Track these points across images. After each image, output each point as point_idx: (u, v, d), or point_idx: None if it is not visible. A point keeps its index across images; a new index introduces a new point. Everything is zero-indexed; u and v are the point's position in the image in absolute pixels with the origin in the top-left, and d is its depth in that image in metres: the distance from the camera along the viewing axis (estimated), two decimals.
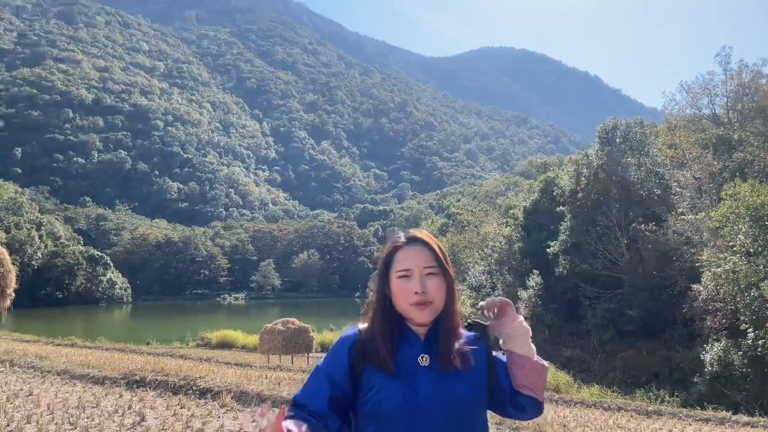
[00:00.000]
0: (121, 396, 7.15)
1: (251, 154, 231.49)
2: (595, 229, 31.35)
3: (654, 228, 26.69)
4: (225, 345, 34.87)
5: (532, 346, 1.89)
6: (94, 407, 6.62)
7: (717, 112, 35.39)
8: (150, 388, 7.33)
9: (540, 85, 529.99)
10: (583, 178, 32.82)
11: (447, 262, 1.81)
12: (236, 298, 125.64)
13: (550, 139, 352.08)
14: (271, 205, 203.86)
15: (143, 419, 6.11)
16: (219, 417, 6.41)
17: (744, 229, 17.49)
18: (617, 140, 33.10)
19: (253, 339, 33.82)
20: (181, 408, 6.72)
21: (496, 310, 1.88)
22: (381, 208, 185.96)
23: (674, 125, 36.97)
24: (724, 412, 9.14)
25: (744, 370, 17.10)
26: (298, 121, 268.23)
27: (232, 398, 6.84)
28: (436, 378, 1.76)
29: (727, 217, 18.25)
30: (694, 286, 21.77)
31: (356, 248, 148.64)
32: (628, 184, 31.83)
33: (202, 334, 36.93)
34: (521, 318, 1.88)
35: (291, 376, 11.89)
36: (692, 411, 9.11)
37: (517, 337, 1.86)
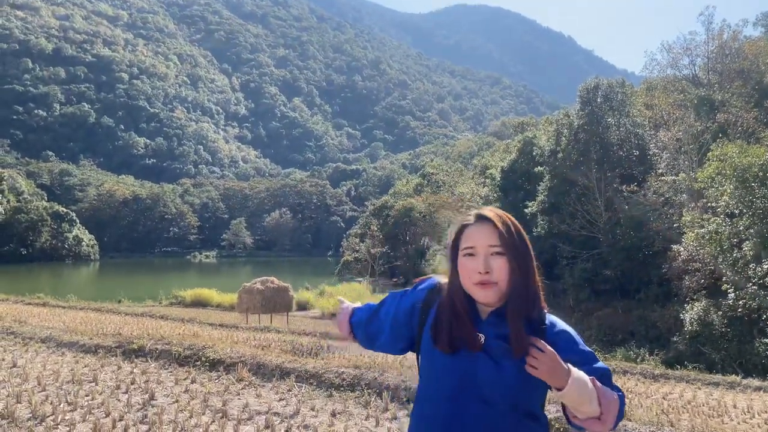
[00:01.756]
0: (119, 368, 6.39)
1: (220, 110, 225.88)
2: (574, 189, 31.36)
3: (633, 189, 26.74)
4: (199, 303, 34.29)
5: (595, 405, 1.63)
6: (91, 382, 5.93)
7: (697, 73, 35.34)
8: (151, 358, 6.57)
9: (514, 45, 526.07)
10: (563, 138, 32.59)
11: (517, 243, 1.71)
12: (207, 256, 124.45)
13: (522, 99, 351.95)
14: (241, 162, 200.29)
15: (152, 397, 5.49)
16: (239, 394, 5.84)
17: (729, 190, 17.50)
18: (598, 100, 32.84)
19: (229, 298, 33.33)
20: (193, 383, 6.06)
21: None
22: (354, 167, 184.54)
23: (653, 85, 36.92)
24: (733, 376, 9.13)
25: (723, 329, 17.37)
26: (268, 76, 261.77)
27: (249, 371, 6.25)
28: (487, 361, 1.71)
29: (712, 177, 18.23)
30: (674, 247, 21.95)
31: (329, 207, 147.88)
32: (607, 145, 31.77)
33: (175, 292, 36.23)
34: (569, 368, 1.62)
35: (280, 337, 11.51)
36: (700, 374, 9.07)
37: (568, 398, 1.64)
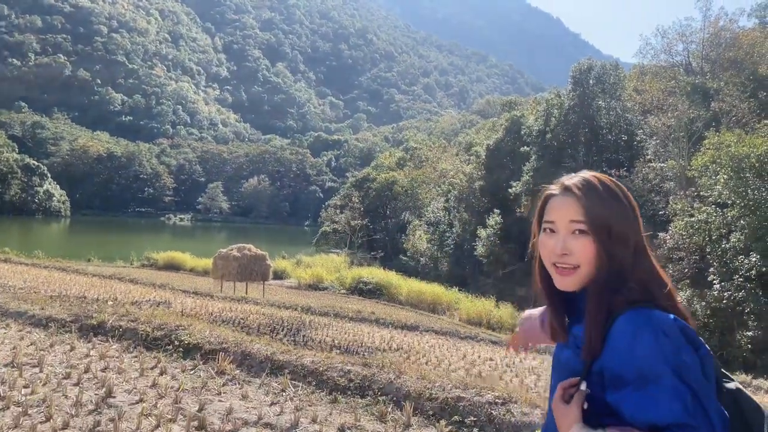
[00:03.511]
0: (72, 348, 5.22)
1: (201, 71, 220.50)
2: (561, 171, 30.82)
3: (622, 173, 26.40)
4: (172, 267, 33.41)
5: None
6: (35, 367, 4.78)
7: (690, 60, 34.94)
8: (113, 337, 5.36)
9: (502, 23, 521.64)
10: (553, 119, 32.13)
11: (612, 218, 1.39)
12: (181, 219, 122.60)
13: (507, 79, 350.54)
14: (220, 125, 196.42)
15: (110, 393, 4.35)
16: (221, 393, 4.71)
17: (723, 180, 17.17)
18: (590, 82, 32.35)
19: (203, 263, 32.49)
20: (162, 375, 4.89)
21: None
22: (335, 137, 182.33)
23: (645, 71, 36.45)
24: (743, 375, 8.78)
25: (706, 320, 17.20)
26: (252, 39, 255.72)
27: (232, 362, 5.10)
28: (561, 355, 1.51)
29: (707, 166, 17.88)
30: (661, 235, 21.69)
31: (308, 177, 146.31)
32: (596, 128, 31.39)
33: (147, 254, 35.21)
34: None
35: (259, 309, 10.86)
36: None
37: None
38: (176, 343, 5.32)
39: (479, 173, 40.11)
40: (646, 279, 1.37)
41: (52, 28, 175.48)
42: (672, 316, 1.29)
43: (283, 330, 8.83)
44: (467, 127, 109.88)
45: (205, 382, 4.89)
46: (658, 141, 28.07)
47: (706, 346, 1.29)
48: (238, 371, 5.12)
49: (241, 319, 9.49)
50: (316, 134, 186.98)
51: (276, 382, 5.06)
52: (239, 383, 4.93)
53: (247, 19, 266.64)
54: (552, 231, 1.44)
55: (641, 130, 32.19)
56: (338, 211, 60.40)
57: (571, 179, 1.49)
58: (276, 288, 27.05)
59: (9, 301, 6.07)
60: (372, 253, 46.64)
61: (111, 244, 52.30)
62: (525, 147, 36.60)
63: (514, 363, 7.87)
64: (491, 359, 8.03)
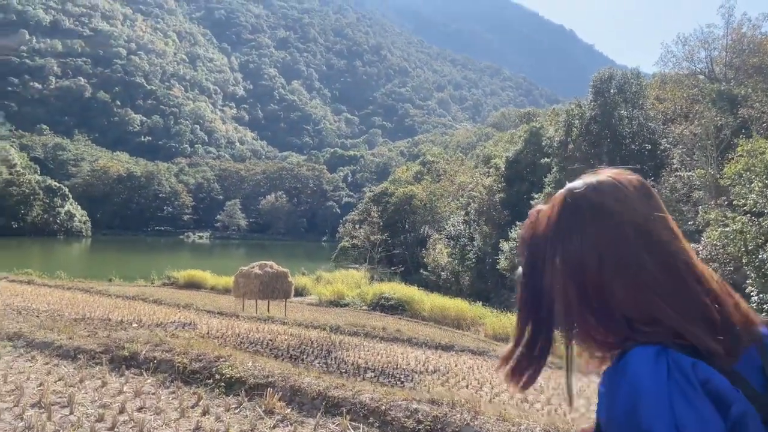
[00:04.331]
0: (104, 384, 4.73)
1: (218, 90, 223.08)
2: None
3: (650, 183, 25.77)
4: (193, 285, 33.30)
5: None
6: (64, 407, 4.28)
7: (713, 67, 34.35)
8: (147, 370, 4.83)
9: (514, 36, 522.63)
10: (574, 129, 31.66)
11: (537, 239, 1.13)
12: (200, 237, 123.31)
13: (522, 91, 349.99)
14: (238, 143, 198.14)
15: None
16: None
17: (758, 188, 16.59)
18: (612, 91, 31.89)
19: (223, 280, 32.37)
20: (205, 415, 4.34)
21: None
22: (351, 153, 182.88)
23: (667, 79, 35.91)
24: None
25: None
26: (268, 57, 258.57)
27: (280, 400, 4.53)
28: None
29: (740, 174, 17.31)
30: (692, 245, 21.06)
31: (325, 192, 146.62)
32: (619, 138, 30.86)
33: (168, 273, 35.17)
34: None
35: (286, 330, 10.55)
36: None
37: None
38: (217, 376, 4.78)
39: (499, 185, 39.68)
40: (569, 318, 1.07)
41: (72, 51, 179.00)
42: (685, 358, 0.94)
43: (313, 352, 8.50)
44: (483, 140, 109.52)
45: (253, 424, 4.34)
46: (684, 149, 27.47)
47: (746, 403, 0.93)
48: (288, 410, 4.60)
49: (269, 340, 9.19)
50: (332, 150, 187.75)
51: (333, 424, 4.52)
52: (291, 424, 4.41)
53: (263, 38, 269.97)
54: None
55: (665, 139, 31.61)
56: (356, 226, 60.18)
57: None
58: (297, 305, 26.76)
59: (35, 330, 5.65)
60: (392, 268, 46.25)
61: (131, 264, 52.55)
62: (545, 158, 36.14)
63: (559, 384, 7.48)
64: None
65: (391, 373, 7.45)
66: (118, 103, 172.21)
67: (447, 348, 10.38)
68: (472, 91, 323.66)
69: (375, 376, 7.32)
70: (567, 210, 1.08)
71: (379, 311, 28.00)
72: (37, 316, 9.56)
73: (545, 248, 1.07)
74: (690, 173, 24.57)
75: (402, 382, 7.03)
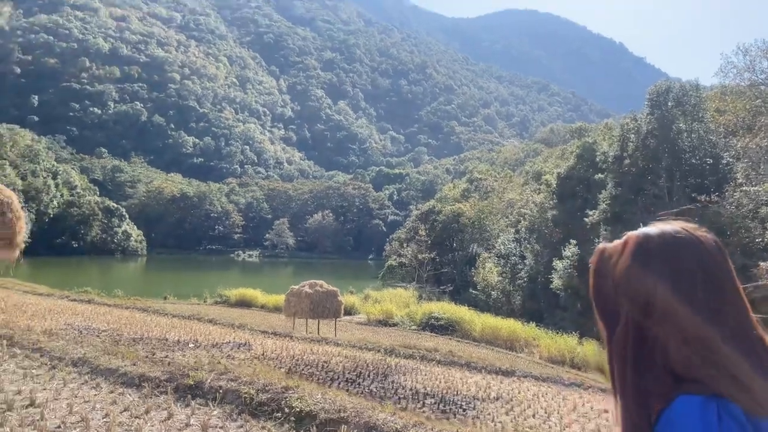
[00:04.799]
0: (170, 416, 4.52)
1: (267, 112, 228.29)
2: (641, 198, 29.40)
3: (712, 199, 24.64)
4: (244, 304, 33.73)
5: None
6: None
7: None
8: (212, 400, 4.60)
9: (562, 51, 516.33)
10: (630, 144, 30.66)
11: (603, 297, 1.13)
12: (250, 256, 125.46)
13: (570, 107, 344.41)
14: (286, 164, 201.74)
15: None
16: None
17: None
18: (669, 104, 30.79)
19: (273, 299, 32.66)
20: None
21: None
22: (397, 171, 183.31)
23: (728, 90, 34.46)
24: None
25: None
26: (315, 79, 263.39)
27: None
28: None
29: None
30: (762, 264, 19.89)
31: (371, 211, 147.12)
32: (678, 152, 29.70)
33: (220, 291, 35.74)
34: None
35: (341, 351, 10.36)
36: None
37: None
38: (286, 410, 4.43)
39: (551, 202, 38.77)
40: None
41: (130, 77, 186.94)
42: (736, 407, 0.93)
43: (369, 375, 8.26)
44: (531, 156, 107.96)
45: None
46: (749, 163, 26.15)
47: None
48: None
49: (324, 362, 9.00)
50: (377, 169, 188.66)
51: None
52: None
53: (310, 60, 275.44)
54: None
55: (727, 153, 30.26)
56: (403, 244, 59.92)
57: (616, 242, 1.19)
58: (346, 324, 26.63)
59: (99, 356, 5.53)
60: (441, 287, 45.66)
61: (185, 282, 53.72)
62: (599, 174, 35.12)
63: None
64: (606, 411, 7.13)
65: (451, 399, 7.12)
66: (172, 126, 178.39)
67: (508, 373, 9.93)
68: (519, 107, 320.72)
69: (435, 403, 7.01)
70: (640, 257, 1.05)
71: (429, 331, 27.59)
72: (98, 336, 9.67)
73: (613, 291, 1.06)
74: (757, 188, 23.34)
75: (464, 410, 6.69)
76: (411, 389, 7.59)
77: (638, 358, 1.01)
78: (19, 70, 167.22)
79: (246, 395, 4.32)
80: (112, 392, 4.66)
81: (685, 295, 0.99)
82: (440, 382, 8.29)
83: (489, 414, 6.46)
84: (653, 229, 1.10)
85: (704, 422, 0.89)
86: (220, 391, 4.44)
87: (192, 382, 4.61)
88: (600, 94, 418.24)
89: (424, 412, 6.53)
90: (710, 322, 0.98)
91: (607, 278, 1.07)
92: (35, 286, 24.21)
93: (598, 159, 34.15)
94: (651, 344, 1.01)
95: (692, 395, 0.94)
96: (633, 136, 30.72)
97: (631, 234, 1.11)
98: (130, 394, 4.61)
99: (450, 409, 6.71)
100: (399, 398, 7.11)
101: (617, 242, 1.11)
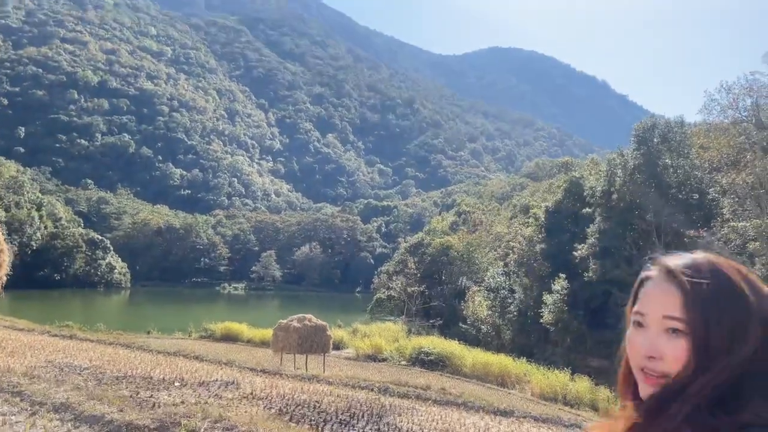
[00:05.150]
0: None
1: (256, 144, 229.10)
2: (630, 233, 29.54)
3: (701, 233, 24.78)
4: (229, 338, 33.08)
5: None
6: None
7: (760, 115, 33.44)
8: None
9: (547, 87, 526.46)
10: (617, 179, 30.95)
11: (720, 320, 1.05)
12: (236, 288, 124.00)
13: (555, 141, 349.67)
14: (273, 195, 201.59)
15: None
16: None
17: None
18: (655, 140, 31.25)
19: (259, 333, 32.08)
20: None
21: None
22: (385, 203, 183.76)
23: (712, 127, 35.10)
24: None
25: None
26: (304, 112, 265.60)
27: None
28: None
29: None
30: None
31: (359, 243, 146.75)
32: (665, 187, 29.99)
33: (205, 325, 35.07)
34: None
35: (332, 390, 10.05)
36: None
37: None
38: None
39: (539, 236, 38.83)
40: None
41: (118, 109, 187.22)
42: None
43: (363, 416, 7.97)
44: (517, 189, 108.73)
45: None
46: (735, 199, 26.46)
47: None
48: None
49: (315, 402, 8.70)
50: (365, 201, 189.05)
51: None
52: None
53: (299, 94, 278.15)
54: (641, 325, 1.14)
55: (713, 188, 30.64)
56: (392, 277, 59.53)
57: (678, 259, 1.14)
58: (335, 359, 26.15)
59: (83, 401, 5.12)
60: (430, 321, 45.23)
61: (169, 315, 52.78)
62: (587, 208, 35.35)
63: None
64: None
65: None
66: (160, 158, 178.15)
67: (506, 413, 9.62)
68: (505, 142, 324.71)
69: None
70: (700, 291, 1.06)
71: (419, 366, 27.17)
72: (80, 374, 9.30)
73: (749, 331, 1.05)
74: (744, 223, 23.54)
75: None
76: (408, 431, 7.31)
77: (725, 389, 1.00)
78: (6, 101, 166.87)
79: None
80: None
81: (748, 327, 1.03)
82: (438, 423, 8.01)
83: None
84: (704, 257, 1.12)
85: None
86: None
87: None
88: (585, 129, 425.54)
89: None
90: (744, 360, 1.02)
91: (731, 297, 1.04)
92: (15, 320, 23.56)
93: (585, 193, 34.40)
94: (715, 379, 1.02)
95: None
96: (620, 171, 31.04)
97: (691, 257, 1.12)
98: None
99: None
100: None
101: (702, 260, 1.10)
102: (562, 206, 38.67)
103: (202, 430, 4.20)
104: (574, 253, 32.55)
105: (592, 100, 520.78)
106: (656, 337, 1.09)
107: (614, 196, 30.36)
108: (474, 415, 9.14)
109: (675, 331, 1.07)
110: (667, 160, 30.63)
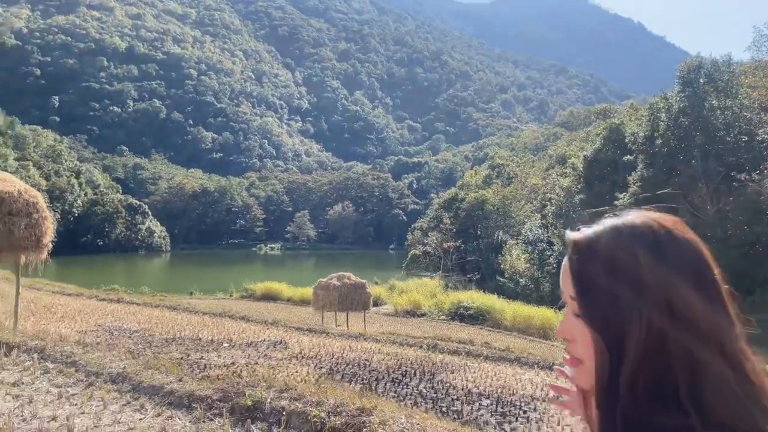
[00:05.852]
0: None
1: (284, 105, 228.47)
2: (674, 179, 28.49)
3: (753, 177, 23.71)
4: (269, 297, 33.58)
5: None
6: None
7: None
8: (275, 424, 3.92)
9: (579, 33, 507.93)
10: (661, 123, 29.69)
11: (611, 297, 0.88)
12: (272, 248, 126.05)
13: (589, 89, 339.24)
14: (304, 156, 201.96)
15: None
16: None
17: None
18: (701, 81, 29.74)
19: (299, 292, 32.43)
20: None
21: None
22: (415, 160, 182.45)
23: (761, 65, 33.29)
24: None
25: None
26: (330, 70, 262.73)
27: None
28: None
29: None
30: None
31: (391, 200, 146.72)
32: (712, 130, 28.69)
33: (245, 285, 35.64)
34: None
35: (381, 348, 9.94)
36: None
37: None
38: None
39: (578, 186, 37.92)
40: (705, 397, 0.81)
41: (147, 75, 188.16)
42: None
43: (415, 374, 7.82)
44: (551, 140, 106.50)
45: None
46: None
47: None
48: None
49: (365, 360, 8.58)
50: (395, 158, 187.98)
51: None
52: None
53: (325, 51, 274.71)
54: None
55: (762, 129, 29.19)
56: (426, 233, 59.37)
57: (588, 229, 0.95)
58: (374, 316, 26.27)
59: (140, 371, 4.92)
60: (467, 276, 45.10)
61: (209, 276, 53.91)
62: (628, 156, 34.18)
63: None
64: None
65: (509, 401, 6.65)
66: (191, 122, 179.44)
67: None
68: (537, 91, 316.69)
69: (492, 404, 6.53)
70: (653, 247, 0.87)
71: (458, 321, 27.14)
72: (130, 337, 9.38)
73: (626, 288, 0.87)
74: None
75: (525, 412, 6.21)
76: (463, 389, 7.12)
77: (656, 382, 0.82)
78: (39, 72, 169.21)
79: (315, 419, 3.64)
80: (159, 415, 4.03)
81: (706, 295, 0.84)
82: (492, 380, 7.81)
83: (553, 416, 5.97)
84: (621, 222, 0.92)
85: None
86: (284, 413, 3.85)
87: (250, 402, 4.01)
88: (619, 75, 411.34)
89: (482, 415, 6.06)
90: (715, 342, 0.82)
91: (619, 272, 0.85)
92: (64, 285, 24.23)
93: (626, 140, 33.20)
94: (670, 362, 0.82)
95: None
96: (663, 115, 29.75)
97: (629, 220, 0.92)
98: (180, 418, 4.00)
99: (509, 411, 6.23)
100: (452, 400, 6.65)
101: (606, 229, 0.91)
102: (602, 155, 37.51)
103: (269, 400, 4.01)
104: (615, 202, 31.64)
105: (627, 44, 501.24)
106: (568, 318, 0.94)
107: (658, 142, 29.21)
108: (529, 370, 8.92)
109: (577, 315, 0.92)
110: (713, 102, 29.21)
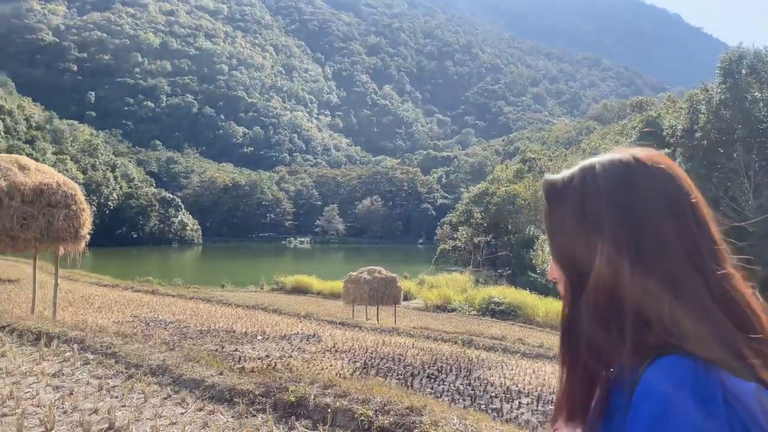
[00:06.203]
0: None
1: (313, 99, 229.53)
2: (714, 173, 27.64)
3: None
4: (300, 290, 33.77)
5: None
6: None
7: None
8: (321, 422, 3.80)
9: (613, 25, 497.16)
10: (701, 116, 28.80)
11: (567, 222, 0.90)
12: (301, 242, 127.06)
13: (623, 81, 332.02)
14: (333, 150, 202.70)
15: None
16: None
17: None
18: (743, 72, 28.74)
19: (329, 285, 32.52)
20: None
21: None
22: (445, 154, 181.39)
23: None
24: None
25: None
26: (360, 64, 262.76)
27: None
28: None
29: None
30: None
31: (420, 195, 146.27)
32: (755, 122, 27.71)
33: (276, 278, 35.90)
34: None
35: (415, 343, 9.82)
36: None
37: None
38: None
39: None
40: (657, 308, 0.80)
41: (180, 70, 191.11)
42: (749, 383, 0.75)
43: (451, 370, 7.68)
44: (584, 133, 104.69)
45: None
46: None
47: None
48: None
49: (399, 355, 8.47)
50: (425, 152, 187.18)
51: None
52: None
53: (354, 45, 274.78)
54: None
55: None
56: (456, 228, 58.96)
57: (561, 173, 0.97)
58: (404, 310, 26.18)
59: (180, 363, 4.87)
60: (498, 271, 44.63)
61: (240, 269, 54.50)
62: (666, 149, 33.27)
63: None
64: None
65: (549, 399, 6.46)
66: (222, 116, 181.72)
67: None
68: (569, 84, 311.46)
69: (532, 402, 6.35)
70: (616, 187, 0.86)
71: (489, 316, 26.88)
72: (165, 329, 9.45)
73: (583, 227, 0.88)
74: None
75: None
76: (501, 387, 6.95)
77: (609, 313, 0.81)
78: (76, 68, 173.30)
79: (362, 417, 3.50)
80: (200, 410, 3.95)
81: (681, 220, 0.84)
82: (531, 378, 7.62)
83: None
84: (620, 153, 0.91)
85: (699, 385, 0.73)
86: (329, 410, 3.74)
87: (293, 399, 3.90)
88: (655, 67, 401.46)
89: (522, 414, 5.89)
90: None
91: (583, 211, 0.86)
92: (101, 277, 24.73)
93: (664, 133, 32.29)
94: (624, 295, 0.81)
95: (678, 356, 0.76)
96: (703, 107, 28.85)
97: (606, 157, 0.91)
98: (222, 413, 3.91)
99: (551, 410, 6.04)
100: (491, 397, 6.49)
101: (578, 168, 0.91)
102: None
103: (313, 396, 3.90)
104: None
105: (664, 35, 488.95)
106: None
107: (697, 135, 28.35)
108: None
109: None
110: (756, 93, 28.19)
